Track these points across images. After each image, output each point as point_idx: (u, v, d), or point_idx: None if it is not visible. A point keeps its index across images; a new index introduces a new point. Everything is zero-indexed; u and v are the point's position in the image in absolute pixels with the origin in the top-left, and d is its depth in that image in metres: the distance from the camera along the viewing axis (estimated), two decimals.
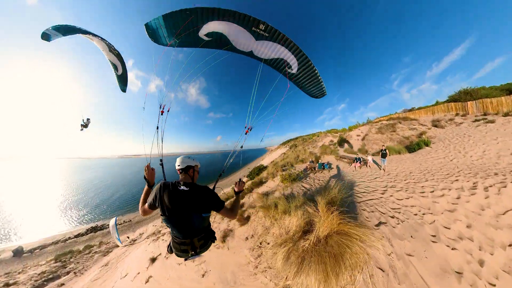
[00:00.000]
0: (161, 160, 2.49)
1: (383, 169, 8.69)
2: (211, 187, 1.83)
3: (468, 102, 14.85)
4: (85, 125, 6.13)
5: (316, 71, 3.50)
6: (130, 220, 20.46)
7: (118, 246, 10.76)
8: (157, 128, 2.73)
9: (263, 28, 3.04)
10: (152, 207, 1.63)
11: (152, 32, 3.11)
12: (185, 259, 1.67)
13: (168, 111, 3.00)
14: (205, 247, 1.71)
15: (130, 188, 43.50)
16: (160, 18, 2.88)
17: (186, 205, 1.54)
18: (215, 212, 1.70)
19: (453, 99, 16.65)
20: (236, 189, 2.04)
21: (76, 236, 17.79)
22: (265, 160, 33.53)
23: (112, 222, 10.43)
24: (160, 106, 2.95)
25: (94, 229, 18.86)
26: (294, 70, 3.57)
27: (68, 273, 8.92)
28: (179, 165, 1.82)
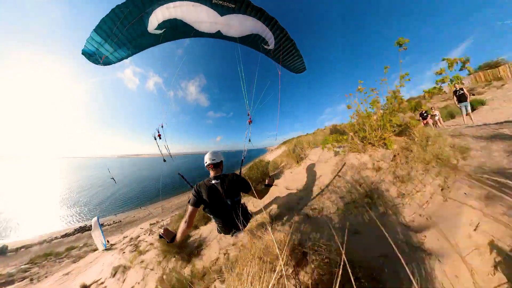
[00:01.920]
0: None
1: (470, 118, 6.47)
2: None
3: (500, 68, 13.81)
4: None
5: (294, 44, 3.20)
6: (120, 221, 20.22)
7: (97, 250, 10.25)
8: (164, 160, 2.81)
9: None
10: (197, 204, 1.93)
11: (94, 57, 2.49)
12: (231, 236, 2.13)
13: (162, 126, 2.66)
14: (244, 226, 2.10)
15: (126, 188, 43.78)
16: (93, 35, 2.26)
17: (220, 194, 1.95)
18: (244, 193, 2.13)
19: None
20: (266, 182, 2.43)
21: (63, 236, 17.60)
22: (267, 158, 33.13)
23: (94, 220, 9.79)
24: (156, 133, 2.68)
25: (82, 229, 18.67)
26: (271, 46, 3.22)
27: (23, 278, 8.38)
28: (214, 159, 2.06)
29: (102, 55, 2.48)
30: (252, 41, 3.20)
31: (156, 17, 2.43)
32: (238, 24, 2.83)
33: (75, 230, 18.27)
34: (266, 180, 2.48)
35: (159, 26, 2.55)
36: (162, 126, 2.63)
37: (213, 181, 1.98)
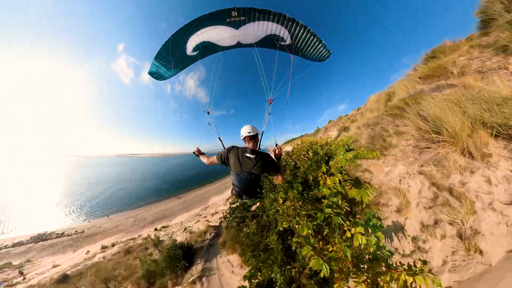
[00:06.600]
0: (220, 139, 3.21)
1: None
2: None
3: None
4: None
5: (310, 30, 3.27)
6: (83, 231, 18.76)
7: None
8: (208, 123, 3.33)
9: (236, 15, 3.14)
10: (220, 161, 2.34)
11: (156, 75, 3.91)
12: (239, 200, 2.50)
13: (211, 110, 3.55)
14: (254, 197, 2.41)
15: (112, 189, 43.06)
16: (154, 62, 3.61)
17: (250, 169, 2.15)
18: (268, 175, 2.35)
19: None
20: (276, 154, 2.43)
21: (14, 245, 16.09)
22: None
23: None
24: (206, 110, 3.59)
25: (38, 238, 17.18)
26: (288, 40, 3.40)
27: None
28: (249, 132, 2.24)
29: (160, 75, 3.86)
30: (268, 41, 3.57)
31: (191, 44, 3.54)
32: (253, 31, 3.38)
33: (31, 238, 16.96)
34: (276, 150, 2.37)
35: (194, 49, 3.64)
36: None
37: (248, 154, 2.12)
